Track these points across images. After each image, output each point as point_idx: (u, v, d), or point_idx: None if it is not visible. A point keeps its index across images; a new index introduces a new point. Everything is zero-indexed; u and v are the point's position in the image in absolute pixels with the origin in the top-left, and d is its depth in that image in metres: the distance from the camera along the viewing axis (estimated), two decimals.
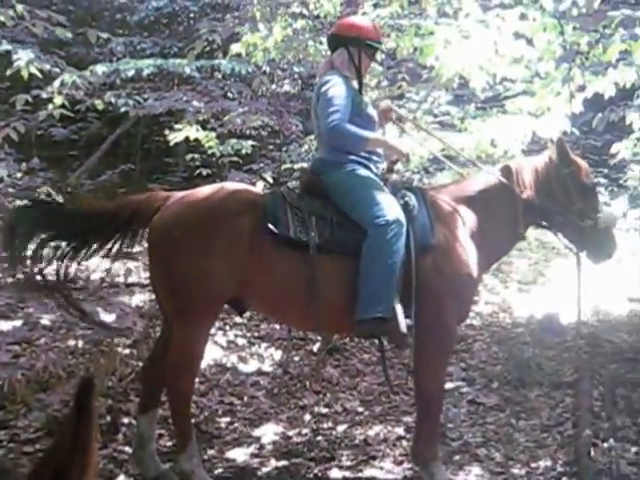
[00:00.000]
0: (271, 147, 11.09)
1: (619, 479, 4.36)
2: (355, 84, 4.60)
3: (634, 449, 4.87)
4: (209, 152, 9.67)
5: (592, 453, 4.67)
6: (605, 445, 4.79)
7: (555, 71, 7.63)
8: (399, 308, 4.11)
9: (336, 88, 4.36)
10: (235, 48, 8.04)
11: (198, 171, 10.72)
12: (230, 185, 4.65)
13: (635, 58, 7.20)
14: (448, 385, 5.93)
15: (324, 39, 7.40)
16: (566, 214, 4.60)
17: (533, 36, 7.41)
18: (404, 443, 5.01)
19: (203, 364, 5.79)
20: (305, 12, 8.35)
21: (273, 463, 4.75)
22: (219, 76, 11.15)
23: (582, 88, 7.74)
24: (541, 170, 4.69)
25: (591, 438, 4.83)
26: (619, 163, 8.60)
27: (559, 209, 4.62)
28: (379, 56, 7.78)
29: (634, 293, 7.60)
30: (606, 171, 10.89)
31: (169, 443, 4.87)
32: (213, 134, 9.44)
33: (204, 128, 9.54)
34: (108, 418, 5.02)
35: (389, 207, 4.18)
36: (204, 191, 4.39)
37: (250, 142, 9.56)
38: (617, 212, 5.25)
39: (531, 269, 10.29)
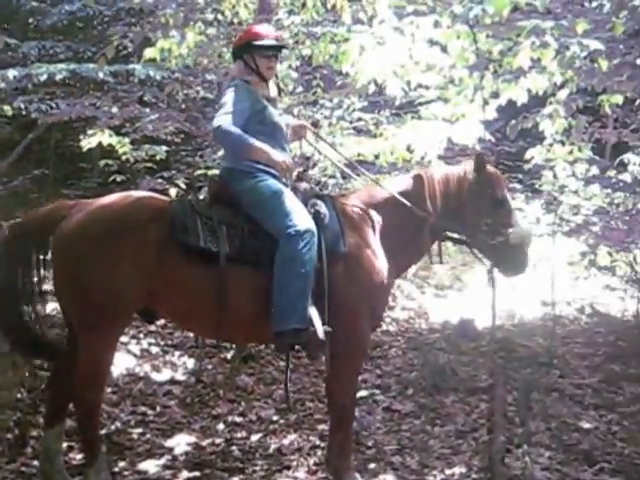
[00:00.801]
0: (184, 153, 10.92)
1: None
2: (264, 88, 4.52)
3: (548, 454, 4.93)
4: (123, 158, 9.47)
5: (506, 459, 4.69)
6: (519, 450, 4.82)
7: (469, 78, 7.71)
8: (315, 316, 4.07)
9: (231, 94, 4.30)
10: (149, 53, 7.89)
11: (113, 177, 10.48)
12: (137, 193, 4.55)
13: (546, 65, 7.32)
14: (363, 392, 5.94)
15: None
16: (474, 230, 4.56)
17: (447, 43, 7.47)
18: (318, 452, 4.96)
19: (115, 373, 5.67)
20: (220, 18, 8.25)
21: (185, 474, 4.66)
22: (135, 81, 10.95)
23: (496, 95, 7.83)
24: (453, 183, 4.62)
25: (505, 444, 4.85)
26: (533, 169, 8.70)
27: (467, 225, 4.58)
28: (292, 60, 7.78)
29: (548, 297, 7.70)
30: (520, 177, 11.09)
31: (79, 456, 4.73)
32: (127, 140, 9.24)
33: (118, 133, 9.34)
34: (16, 431, 4.89)
35: (300, 216, 4.14)
36: (110, 199, 4.29)
37: (164, 148, 9.40)
38: (530, 228, 5.28)
39: (448, 274, 10.38)
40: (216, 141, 4.32)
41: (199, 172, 9.06)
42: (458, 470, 4.71)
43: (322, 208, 4.30)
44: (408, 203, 4.47)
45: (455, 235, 4.76)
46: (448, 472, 4.69)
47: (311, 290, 4.10)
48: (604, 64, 5.85)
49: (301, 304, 4.05)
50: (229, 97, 4.28)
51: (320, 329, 4.04)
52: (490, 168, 4.70)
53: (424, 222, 4.49)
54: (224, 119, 4.15)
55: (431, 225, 4.51)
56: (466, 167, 4.67)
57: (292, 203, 4.22)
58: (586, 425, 5.46)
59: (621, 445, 5.10)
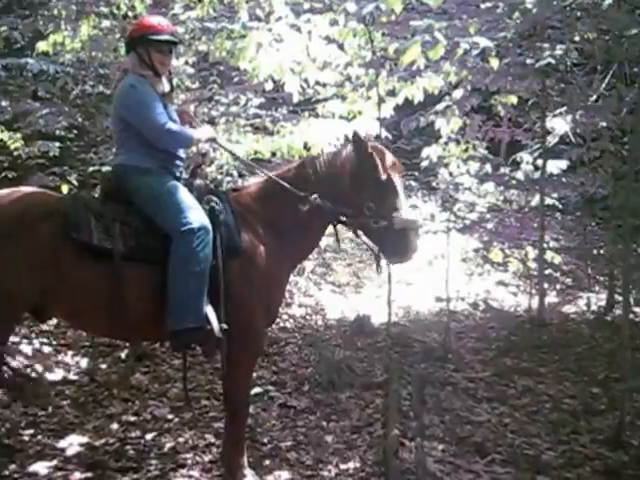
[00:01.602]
0: (77, 149, 10.66)
1: (425, 477, 4.41)
2: (157, 83, 4.43)
3: (441, 446, 4.99)
4: (15, 154, 9.18)
5: (400, 452, 4.73)
6: (412, 444, 4.86)
7: (365, 76, 7.76)
8: (212, 314, 4.02)
9: (145, 91, 4.23)
10: (41, 46, 7.67)
11: (4, 173, 10.15)
12: (26, 189, 4.35)
13: (441, 65, 7.44)
14: (258, 389, 5.91)
15: None
16: (357, 214, 4.47)
17: (344, 41, 7.50)
18: (214, 450, 4.90)
19: (5, 374, 5.45)
20: (115, 11, 8.07)
21: (78, 475, 4.53)
22: (29, 75, 10.63)
23: (392, 93, 7.91)
24: (336, 165, 4.53)
25: (399, 437, 4.89)
26: (429, 167, 8.83)
27: (350, 209, 4.48)
28: (189, 56, 7.67)
29: (443, 293, 7.81)
30: (417, 174, 11.27)
31: None
32: (18, 135, 8.96)
33: (9, 129, 9.04)
34: None
35: (195, 213, 4.08)
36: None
37: (57, 144, 9.15)
38: (418, 215, 5.30)
39: (345, 271, 10.44)
40: (162, 141, 4.18)
41: (93, 169, 8.87)
42: (352, 465, 4.72)
43: (217, 204, 4.24)
44: (287, 185, 4.41)
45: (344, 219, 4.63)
46: (343, 467, 4.69)
47: (207, 288, 4.04)
48: (495, 63, 5.97)
49: (197, 303, 3.99)
50: (146, 95, 4.21)
51: (216, 327, 4.00)
52: (373, 148, 4.55)
53: (311, 206, 4.41)
54: (165, 120, 4.15)
55: (317, 207, 4.41)
56: (348, 148, 4.60)
57: (186, 200, 4.15)
58: (479, 418, 5.55)
59: (512, 436, 5.21)
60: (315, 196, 4.42)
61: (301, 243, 4.58)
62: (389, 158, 4.56)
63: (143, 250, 4.06)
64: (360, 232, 4.64)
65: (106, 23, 7.59)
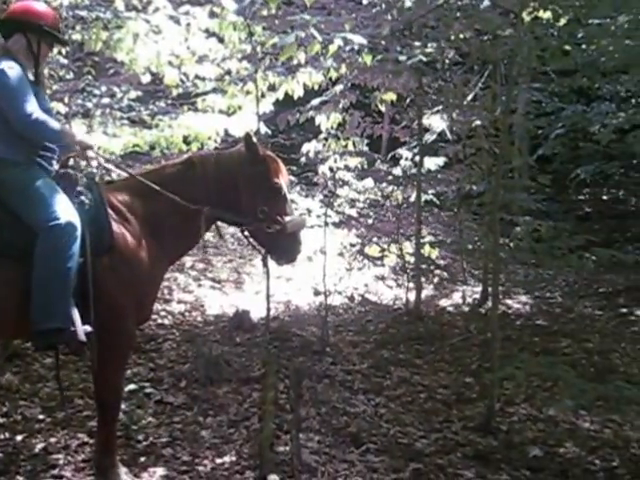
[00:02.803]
0: None
1: (300, 468, 4.44)
2: (30, 74, 4.28)
3: (317, 438, 5.04)
4: None
5: (275, 445, 4.76)
6: (288, 436, 4.88)
7: (245, 70, 7.75)
8: (76, 316, 3.87)
9: (19, 77, 4.02)
10: None
11: None
12: None
13: (323, 61, 7.50)
14: (134, 386, 5.81)
15: None
16: (250, 218, 4.48)
17: (224, 34, 7.46)
18: (87, 449, 4.79)
19: None
20: None
21: None
22: None
23: (273, 88, 7.93)
24: (226, 166, 4.51)
25: (274, 431, 4.90)
26: (309, 162, 8.89)
27: (242, 212, 4.49)
28: (63, 48, 7.46)
29: (321, 287, 7.87)
30: (294, 169, 11.32)
31: None
32: None
33: None
34: None
35: (62, 208, 3.91)
36: None
37: None
38: (304, 216, 5.36)
39: (226, 267, 10.39)
40: (31, 133, 4.00)
41: None
42: (228, 459, 4.70)
43: (87, 198, 4.09)
44: (178, 199, 4.31)
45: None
46: (219, 461, 4.67)
47: (74, 287, 3.89)
48: (368, 59, 6.06)
49: (62, 302, 3.84)
50: (19, 81, 4.01)
51: (80, 329, 3.85)
52: (266, 153, 4.61)
53: (196, 213, 4.39)
54: (34, 109, 3.95)
55: (204, 216, 4.41)
56: (239, 150, 4.59)
57: (54, 194, 3.97)
58: (354, 409, 5.63)
59: (387, 426, 5.30)
60: (207, 209, 4.38)
61: (180, 240, 4.49)
62: (278, 163, 4.62)
63: (7, 246, 3.86)
64: (246, 233, 4.67)
65: None
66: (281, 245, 4.55)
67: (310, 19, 5.75)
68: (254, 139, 4.58)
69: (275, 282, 7.77)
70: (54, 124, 4.09)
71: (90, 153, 4.28)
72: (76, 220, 3.90)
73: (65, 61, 7.81)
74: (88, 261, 3.92)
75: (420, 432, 5.24)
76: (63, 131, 4.15)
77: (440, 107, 8.66)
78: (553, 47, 5.64)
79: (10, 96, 3.99)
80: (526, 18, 5.56)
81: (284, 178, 4.62)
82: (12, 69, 4.05)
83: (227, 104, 8.19)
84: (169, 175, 4.48)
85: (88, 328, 3.89)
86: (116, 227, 4.13)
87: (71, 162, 4.36)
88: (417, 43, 7.01)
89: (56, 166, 4.26)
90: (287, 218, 4.51)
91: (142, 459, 4.68)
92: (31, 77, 4.27)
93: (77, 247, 3.88)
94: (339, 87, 8.21)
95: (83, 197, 4.08)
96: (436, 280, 9.74)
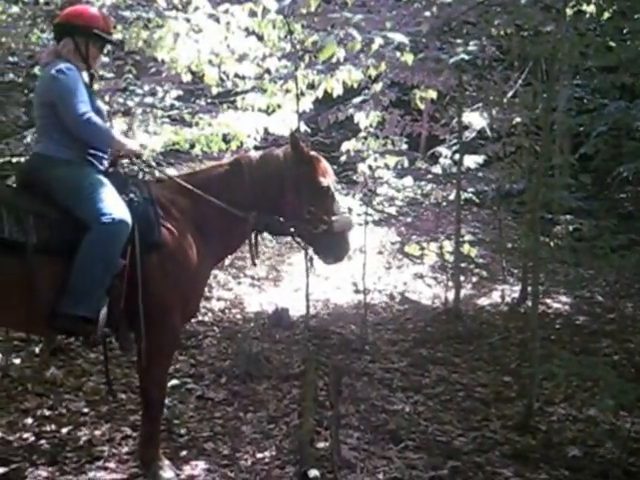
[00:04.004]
0: None
1: (339, 464, 4.46)
2: (85, 75, 4.36)
3: (356, 435, 5.03)
4: None
5: (315, 441, 4.77)
6: (328, 432, 4.91)
7: (283, 68, 7.78)
8: (103, 313, 3.93)
9: (75, 78, 4.10)
10: None
11: None
12: None
13: (360, 59, 7.50)
14: (175, 382, 5.88)
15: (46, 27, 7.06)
16: (297, 219, 4.50)
17: (263, 33, 7.50)
18: (130, 442, 4.85)
19: None
20: None
21: None
22: None
23: (312, 86, 7.95)
24: (272, 168, 4.53)
25: (314, 427, 4.93)
26: (349, 161, 8.90)
27: (288, 214, 4.52)
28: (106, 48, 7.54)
29: (360, 285, 7.89)
30: (335, 168, 11.33)
31: None
32: None
33: None
34: None
35: (115, 205, 3.97)
36: None
37: None
38: (350, 216, 5.39)
39: (264, 265, 10.44)
40: (80, 130, 4.07)
41: (2, 160, 8.68)
42: (269, 454, 4.72)
43: (137, 196, 4.16)
44: (229, 207, 4.36)
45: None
46: (259, 456, 4.69)
47: (118, 285, 3.96)
48: (409, 58, 6.04)
49: (95, 294, 3.89)
50: (75, 83, 4.08)
51: (101, 327, 3.93)
52: (312, 152, 4.61)
53: (243, 220, 4.44)
54: (87, 110, 4.02)
55: (251, 224, 4.46)
56: (285, 150, 4.59)
57: (107, 191, 4.04)
58: (393, 407, 5.62)
59: (425, 424, 5.29)
60: (254, 214, 4.43)
61: (226, 240, 4.53)
62: (324, 163, 4.62)
63: (58, 243, 3.93)
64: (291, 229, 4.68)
65: (16, 9, 7.40)
66: (328, 245, 4.58)
67: (350, 17, 5.76)
68: (298, 139, 4.60)
69: (314, 280, 7.79)
70: (108, 129, 4.18)
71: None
72: (128, 217, 3.97)
73: (106, 60, 7.89)
74: (137, 257, 3.99)
75: (458, 430, 5.21)
76: (114, 138, 4.21)
77: (480, 105, 8.62)
78: (597, 43, 5.58)
79: (66, 95, 4.06)
80: (568, 12, 5.50)
81: (330, 178, 4.63)
82: (70, 70, 4.13)
83: (267, 103, 8.23)
84: (215, 177, 4.53)
85: (106, 330, 3.99)
86: (164, 225, 4.18)
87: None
88: (459, 41, 6.96)
89: (106, 164, 4.35)
90: (334, 218, 4.53)
91: (184, 453, 4.73)
92: (86, 79, 4.35)
93: (123, 243, 3.95)
94: (379, 85, 8.22)
95: (132, 195, 4.14)
96: (475, 279, 9.70)
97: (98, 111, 4.25)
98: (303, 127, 7.69)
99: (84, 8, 4.53)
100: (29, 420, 5.20)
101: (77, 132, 4.09)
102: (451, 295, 8.72)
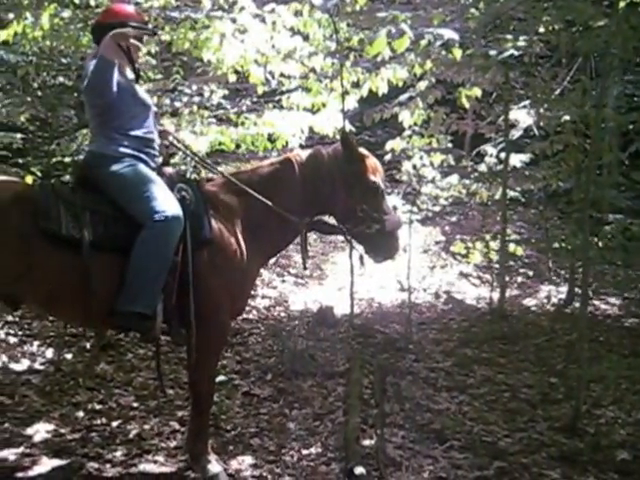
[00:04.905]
0: (40, 140, 10.53)
1: (385, 462, 4.45)
2: (129, 71, 4.40)
3: (401, 433, 5.03)
4: None
5: (360, 439, 4.77)
6: (373, 430, 4.91)
7: (329, 67, 7.77)
8: (160, 310, 3.99)
9: (99, 63, 4.09)
10: (2, 35, 7.56)
11: None
12: None
13: (405, 56, 7.47)
14: (222, 378, 5.91)
15: None
16: (349, 218, 4.50)
17: (308, 32, 7.50)
18: (178, 436, 4.91)
19: None
20: (76, 0, 7.98)
21: (45, 461, 4.50)
22: None
23: (357, 85, 7.93)
24: (323, 166, 4.52)
25: (360, 424, 4.94)
26: (393, 159, 8.86)
27: (340, 212, 4.55)
28: (152, 46, 7.62)
29: (405, 284, 7.86)
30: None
31: None
32: None
33: None
34: None
35: (167, 202, 4.02)
36: None
37: (19, 135, 9.07)
38: (400, 215, 5.36)
39: (309, 263, 10.43)
40: (89, 94, 4.14)
41: (55, 160, 8.80)
42: (314, 450, 4.74)
43: (188, 194, 4.19)
44: (280, 210, 4.37)
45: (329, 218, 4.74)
46: (305, 452, 4.71)
47: (169, 282, 4.01)
48: (458, 54, 5.99)
49: (151, 291, 3.95)
50: (97, 66, 4.03)
51: (159, 324, 3.99)
52: (363, 151, 4.59)
53: (298, 200, 4.45)
54: (92, 76, 4.00)
55: (302, 224, 4.48)
56: (336, 148, 4.57)
57: (160, 188, 4.09)
58: (438, 406, 5.60)
59: (470, 424, 5.25)
60: (307, 220, 4.47)
61: (276, 238, 4.54)
62: (374, 161, 4.61)
63: (113, 239, 4.00)
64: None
65: (67, 13, 7.49)
66: (380, 244, 4.57)
67: (398, 14, 5.73)
68: (350, 137, 4.59)
69: (358, 279, 7.78)
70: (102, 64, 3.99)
71: (171, 138, 4.50)
72: (180, 214, 4.02)
73: (154, 61, 7.96)
74: (189, 254, 4.03)
75: (504, 431, 5.17)
76: (105, 55, 3.99)
77: (527, 102, 8.52)
78: None
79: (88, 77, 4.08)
80: (621, 5, 5.39)
81: (380, 175, 4.61)
82: (97, 60, 4.13)
83: (311, 102, 8.23)
84: (266, 175, 4.54)
85: (162, 325, 4.02)
86: (214, 222, 4.22)
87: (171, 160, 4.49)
88: (508, 36, 6.89)
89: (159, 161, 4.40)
90: (385, 217, 4.52)
91: (231, 448, 4.77)
92: (130, 75, 4.41)
93: (177, 240, 4.00)
94: (424, 83, 8.17)
95: (184, 193, 4.18)
96: (520, 279, 9.63)
97: (142, 104, 4.32)
98: (348, 126, 7.67)
99: (115, 6, 4.59)
100: (80, 413, 5.29)
101: (88, 94, 4.17)
102: (496, 295, 8.65)
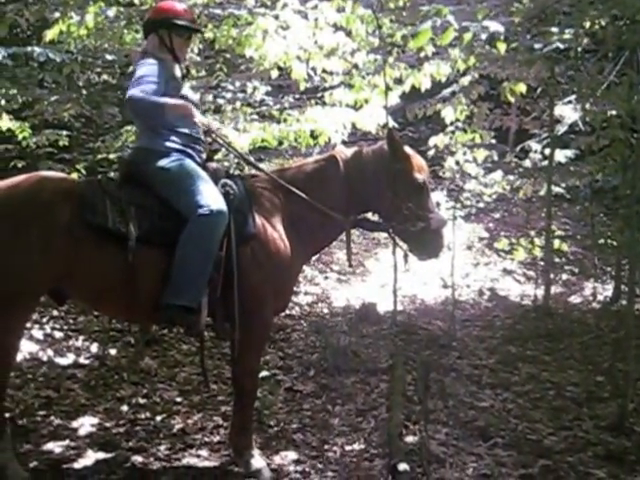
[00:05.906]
0: (85, 137, 10.66)
1: (428, 458, 4.43)
2: (176, 68, 4.44)
3: (445, 430, 5.00)
4: (23, 143, 9.20)
5: (404, 435, 4.77)
6: (416, 427, 4.90)
7: (371, 63, 7.75)
8: (205, 303, 4.04)
9: (145, 68, 4.18)
10: (48, 35, 7.65)
11: (13, 162, 10.18)
12: (44, 173, 4.34)
13: (448, 51, 7.42)
14: (265, 373, 5.94)
15: (140, 27, 7.15)
16: (394, 216, 4.49)
17: (351, 28, 7.49)
18: (222, 431, 4.94)
19: (18, 358, 5.51)
20: None
21: (90, 454, 4.56)
22: (34, 64, 10.62)
23: (399, 81, 7.90)
24: (368, 164, 4.53)
25: (403, 421, 4.93)
26: (436, 155, 8.81)
27: (385, 211, 4.56)
28: (196, 44, 7.66)
29: (448, 281, 7.83)
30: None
31: None
32: (26, 124, 8.97)
33: (17, 118, 9.05)
34: None
35: (212, 197, 4.06)
36: (16, 180, 4.07)
37: (65, 132, 9.19)
38: (445, 212, 5.35)
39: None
40: (132, 113, 4.21)
41: (100, 157, 8.89)
42: (357, 446, 4.74)
43: (232, 189, 4.22)
44: (325, 208, 4.40)
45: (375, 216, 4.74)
46: (348, 448, 4.72)
47: (213, 277, 4.05)
48: (502, 47, 5.93)
49: (196, 285, 4.00)
50: (142, 71, 4.16)
51: (204, 318, 4.04)
52: (408, 149, 4.59)
53: (344, 197, 4.47)
54: (135, 91, 4.04)
55: (348, 224, 4.52)
56: (381, 146, 4.57)
57: (205, 183, 4.13)
58: (482, 403, 5.56)
59: (515, 422, 5.20)
60: (352, 218, 4.50)
61: (319, 235, 4.57)
62: (419, 159, 4.61)
63: (158, 233, 4.04)
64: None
65: (112, 11, 7.56)
66: (424, 242, 4.57)
67: (442, 8, 5.68)
68: (396, 135, 4.58)
69: (401, 276, 7.76)
70: (154, 101, 4.05)
71: (215, 134, 4.46)
72: (225, 208, 4.05)
73: (198, 59, 8.00)
74: (233, 248, 4.06)
75: (549, 429, 5.11)
76: (167, 104, 4.09)
77: (572, 97, 8.41)
78: None
79: (133, 82, 4.14)
80: None
81: (425, 173, 4.60)
82: (144, 63, 4.24)
83: (354, 98, 8.21)
84: (311, 172, 4.56)
85: (207, 319, 4.08)
86: (258, 218, 4.25)
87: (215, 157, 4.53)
88: (554, 29, 6.80)
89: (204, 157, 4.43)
90: (430, 215, 4.51)
91: (274, 443, 4.79)
92: (178, 73, 4.45)
93: (221, 234, 4.04)
94: (467, 78, 8.12)
95: (228, 188, 4.21)
96: (565, 276, 9.52)
97: (189, 101, 4.34)
98: (391, 122, 7.64)
99: (164, 3, 4.64)
100: (125, 408, 5.37)
101: (131, 114, 4.26)
102: (541, 292, 8.57)
